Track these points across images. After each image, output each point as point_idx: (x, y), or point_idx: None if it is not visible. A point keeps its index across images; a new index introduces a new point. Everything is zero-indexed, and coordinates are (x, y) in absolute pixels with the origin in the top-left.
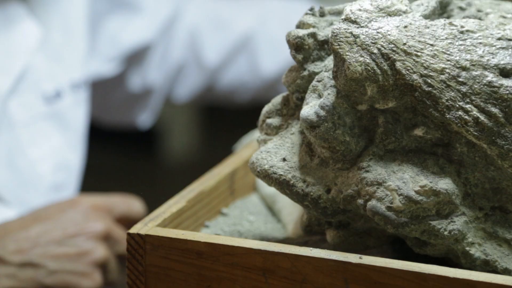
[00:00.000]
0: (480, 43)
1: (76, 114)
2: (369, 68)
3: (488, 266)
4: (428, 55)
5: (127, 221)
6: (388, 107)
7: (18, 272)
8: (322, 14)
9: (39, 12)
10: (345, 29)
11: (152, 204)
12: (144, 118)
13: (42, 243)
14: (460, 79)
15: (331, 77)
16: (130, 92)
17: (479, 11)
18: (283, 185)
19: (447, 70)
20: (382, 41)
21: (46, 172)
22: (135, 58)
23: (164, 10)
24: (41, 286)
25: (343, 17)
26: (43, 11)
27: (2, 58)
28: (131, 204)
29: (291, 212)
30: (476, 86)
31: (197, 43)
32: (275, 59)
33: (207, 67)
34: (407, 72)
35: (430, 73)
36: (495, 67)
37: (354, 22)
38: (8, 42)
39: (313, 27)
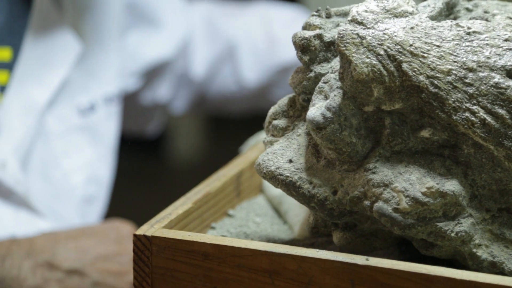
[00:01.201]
0: (487, 44)
1: (108, 127)
2: (375, 69)
3: (495, 268)
4: (434, 56)
5: None
6: (394, 108)
7: (66, 278)
8: (328, 16)
9: (79, 27)
10: (351, 30)
11: (158, 206)
12: (152, 128)
13: (91, 254)
14: (466, 81)
15: (337, 78)
16: (140, 106)
17: (486, 12)
18: (290, 187)
19: (454, 72)
20: (389, 43)
21: (78, 184)
22: (153, 73)
23: (182, 28)
24: None
25: (349, 18)
26: (82, 26)
27: (43, 72)
28: None
29: (298, 213)
30: (483, 88)
31: (189, 55)
32: (257, 69)
33: (195, 81)
34: (414, 73)
35: (437, 75)
36: (502, 68)
37: (360, 23)
38: (49, 56)
39: (319, 28)
